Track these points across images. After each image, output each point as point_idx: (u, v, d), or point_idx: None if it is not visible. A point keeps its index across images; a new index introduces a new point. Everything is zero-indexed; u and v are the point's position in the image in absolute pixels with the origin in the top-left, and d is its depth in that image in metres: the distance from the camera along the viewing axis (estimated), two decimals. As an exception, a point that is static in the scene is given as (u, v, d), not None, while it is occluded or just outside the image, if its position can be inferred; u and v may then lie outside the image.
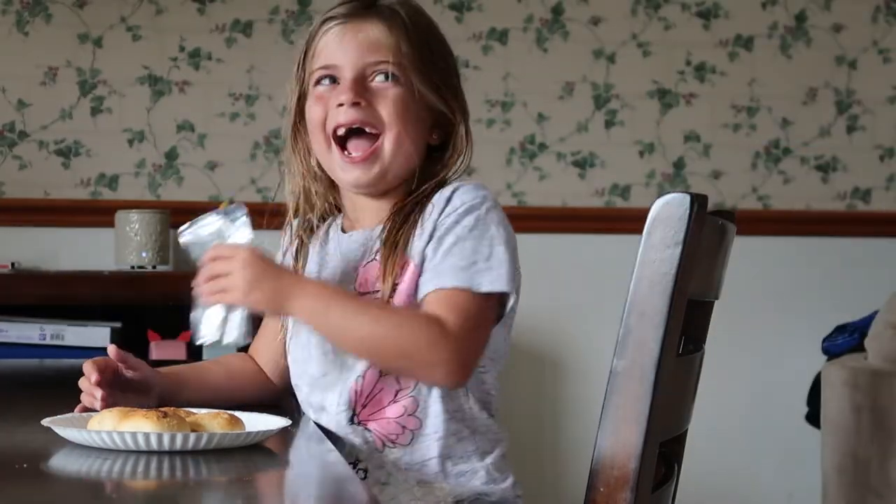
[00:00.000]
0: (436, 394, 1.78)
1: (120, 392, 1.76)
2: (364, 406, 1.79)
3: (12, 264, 3.30)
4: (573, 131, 3.71)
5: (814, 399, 3.44)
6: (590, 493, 1.53)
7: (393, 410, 1.78)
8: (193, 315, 1.77)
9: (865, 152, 3.83)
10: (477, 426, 1.81)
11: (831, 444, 3.18)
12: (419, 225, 1.78)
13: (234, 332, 1.75)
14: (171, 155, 3.55)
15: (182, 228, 1.79)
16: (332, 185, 1.90)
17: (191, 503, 1.30)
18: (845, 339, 3.42)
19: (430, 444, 1.78)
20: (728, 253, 1.75)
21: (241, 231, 1.76)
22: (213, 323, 1.75)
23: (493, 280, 1.73)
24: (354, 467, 1.79)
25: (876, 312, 3.26)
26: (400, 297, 1.76)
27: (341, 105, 1.79)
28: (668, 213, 1.52)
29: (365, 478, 1.78)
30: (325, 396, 1.82)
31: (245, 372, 2.00)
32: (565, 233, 3.68)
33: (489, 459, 1.80)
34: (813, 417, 3.47)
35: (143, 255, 3.32)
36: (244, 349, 2.05)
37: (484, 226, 1.76)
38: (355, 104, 1.79)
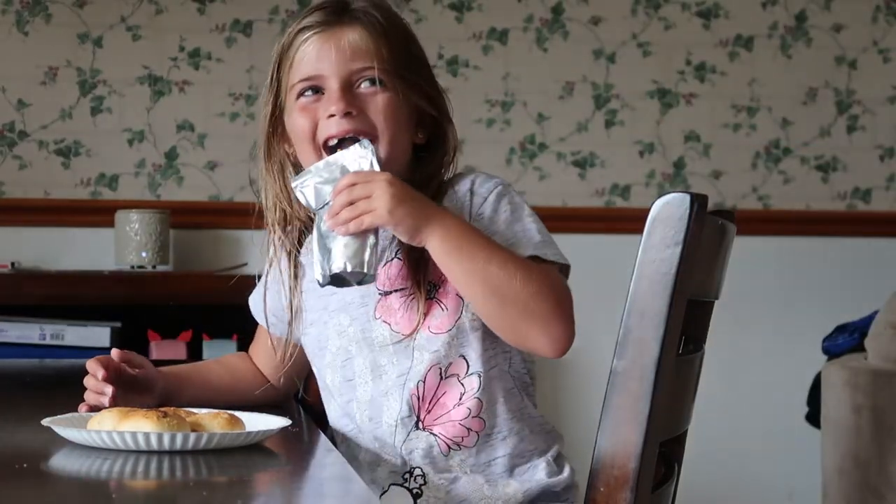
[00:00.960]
0: (500, 394, 1.78)
1: (122, 390, 1.75)
2: (429, 411, 1.78)
3: (12, 264, 3.30)
4: (573, 131, 3.71)
5: (814, 399, 3.44)
6: (590, 493, 1.53)
7: (458, 413, 1.77)
8: (317, 250, 1.71)
9: (865, 152, 3.83)
10: (534, 425, 1.81)
11: (831, 444, 3.18)
12: None
13: (366, 262, 1.68)
14: (171, 155, 3.55)
15: (297, 182, 1.73)
16: None
17: (191, 503, 1.30)
18: (845, 339, 3.42)
19: (496, 444, 1.78)
20: (728, 253, 1.75)
21: (374, 164, 1.71)
22: (343, 254, 1.68)
23: (557, 254, 1.76)
24: (411, 475, 1.78)
25: (876, 312, 3.26)
26: (452, 287, 1.76)
27: (332, 116, 1.77)
28: (668, 213, 1.52)
29: (424, 483, 1.77)
30: (379, 406, 1.81)
31: (246, 372, 1.99)
32: (565, 233, 3.67)
33: (548, 455, 1.81)
34: (813, 417, 3.47)
35: (143, 255, 3.33)
36: (244, 349, 2.05)
37: (521, 208, 1.78)
38: (347, 114, 1.77)
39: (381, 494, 1.77)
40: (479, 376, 1.77)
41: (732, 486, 3.74)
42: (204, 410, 1.62)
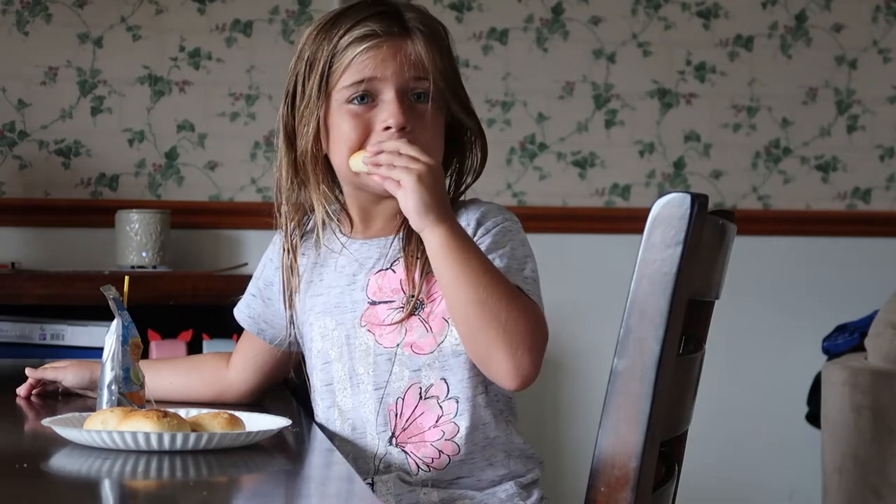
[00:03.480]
0: (477, 421, 1.78)
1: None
2: (404, 429, 1.79)
3: (12, 264, 3.30)
4: (573, 131, 3.71)
5: (814, 399, 3.44)
6: (590, 493, 1.53)
7: (433, 434, 1.78)
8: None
9: (865, 152, 3.83)
10: (512, 450, 1.81)
11: (831, 444, 3.18)
12: None
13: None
14: (171, 155, 3.55)
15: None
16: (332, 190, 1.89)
17: (191, 503, 1.30)
18: (845, 339, 3.42)
19: (463, 468, 1.78)
20: (728, 253, 1.75)
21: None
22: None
23: (539, 300, 1.76)
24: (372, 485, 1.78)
25: (876, 312, 3.26)
26: (439, 309, 1.76)
27: (388, 129, 1.77)
28: (668, 212, 1.52)
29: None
30: (357, 416, 1.81)
31: (205, 374, 2.02)
32: (565, 233, 3.68)
33: (521, 479, 1.81)
34: (813, 417, 3.47)
35: (143, 255, 3.32)
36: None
37: (521, 247, 1.79)
38: (402, 129, 1.77)
39: None
40: (457, 401, 1.78)
41: (732, 486, 3.74)
42: (204, 411, 1.63)
